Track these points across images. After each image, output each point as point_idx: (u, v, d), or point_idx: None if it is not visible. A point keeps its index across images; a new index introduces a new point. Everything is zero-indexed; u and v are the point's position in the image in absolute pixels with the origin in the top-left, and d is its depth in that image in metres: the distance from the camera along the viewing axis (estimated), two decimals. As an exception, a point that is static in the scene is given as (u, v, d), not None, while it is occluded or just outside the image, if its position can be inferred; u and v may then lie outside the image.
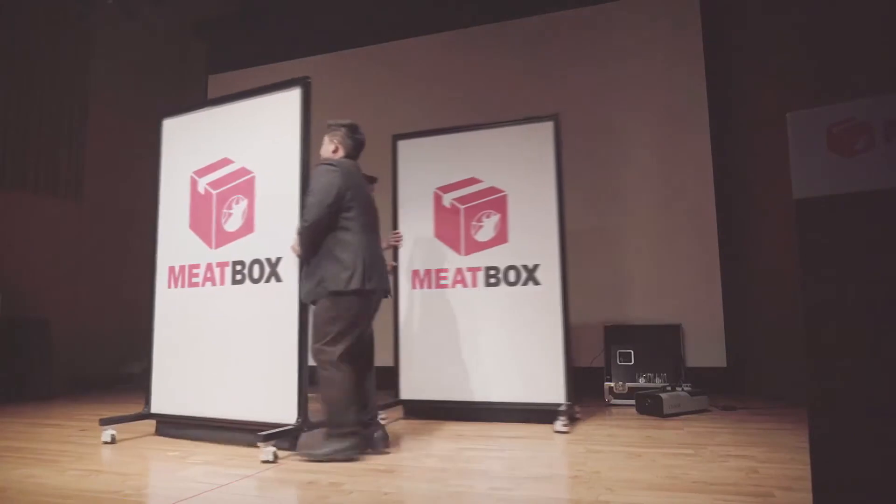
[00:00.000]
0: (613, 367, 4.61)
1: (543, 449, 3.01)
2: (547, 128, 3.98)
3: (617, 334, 4.76)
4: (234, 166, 3.44)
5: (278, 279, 3.17)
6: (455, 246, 4.12)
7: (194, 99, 7.35)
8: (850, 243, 1.37)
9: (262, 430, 2.83)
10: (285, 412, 3.02)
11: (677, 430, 3.39)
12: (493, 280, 3.98)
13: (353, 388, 2.84)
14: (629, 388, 4.43)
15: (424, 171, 4.22)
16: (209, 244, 3.47)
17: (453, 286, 4.08)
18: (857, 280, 1.35)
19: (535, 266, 3.89)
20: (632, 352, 4.61)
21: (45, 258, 5.91)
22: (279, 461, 2.79)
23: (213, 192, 3.51)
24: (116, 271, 6.64)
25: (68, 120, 6.16)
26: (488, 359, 3.92)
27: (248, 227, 3.33)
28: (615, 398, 4.45)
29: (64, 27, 6.09)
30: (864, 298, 1.34)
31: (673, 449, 2.92)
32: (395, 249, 4.14)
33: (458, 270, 4.07)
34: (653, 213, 5.37)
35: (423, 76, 6.28)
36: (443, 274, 4.12)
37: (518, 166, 4.02)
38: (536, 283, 3.88)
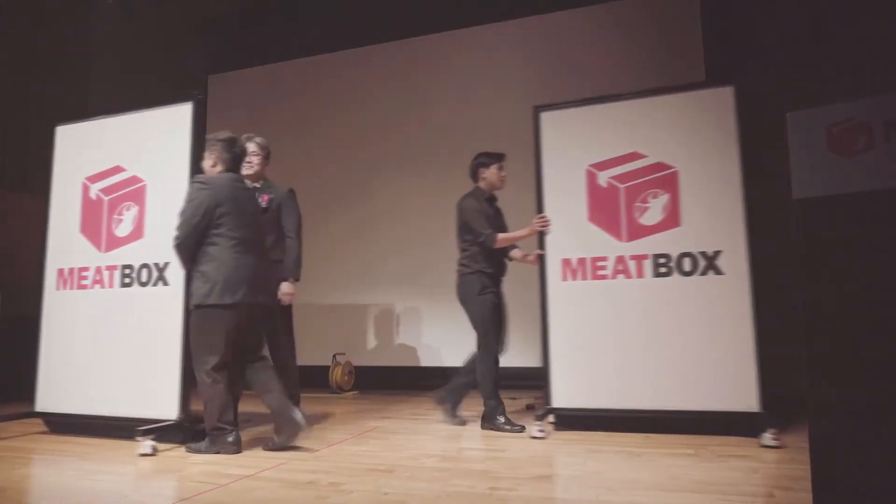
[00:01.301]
0: (613, 367, 4.59)
1: (543, 449, 3.01)
2: (725, 94, 3.45)
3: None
4: (127, 174, 3.62)
5: (165, 283, 3.37)
6: (614, 231, 3.60)
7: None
8: (849, 243, 1.37)
9: (145, 426, 3.04)
10: (169, 409, 3.22)
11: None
12: (663, 269, 3.45)
13: (222, 395, 3.00)
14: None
15: (574, 146, 3.72)
16: (99, 248, 3.64)
17: (614, 277, 3.55)
18: (858, 280, 1.35)
19: (717, 253, 3.36)
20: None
21: (40, 256, 5.89)
22: (281, 461, 2.79)
23: (105, 198, 3.67)
24: (116, 271, 6.62)
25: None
26: (660, 361, 3.38)
27: (137, 232, 3.53)
28: (615, 398, 4.44)
29: (64, 28, 6.09)
30: (864, 298, 1.35)
31: (673, 449, 2.93)
32: (542, 236, 3.71)
33: (620, 259, 3.55)
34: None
35: (423, 76, 6.29)
36: (600, 263, 3.60)
37: (690, 139, 3.50)
38: (718, 272, 3.35)
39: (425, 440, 3.34)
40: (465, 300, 3.80)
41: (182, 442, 3.14)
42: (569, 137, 3.76)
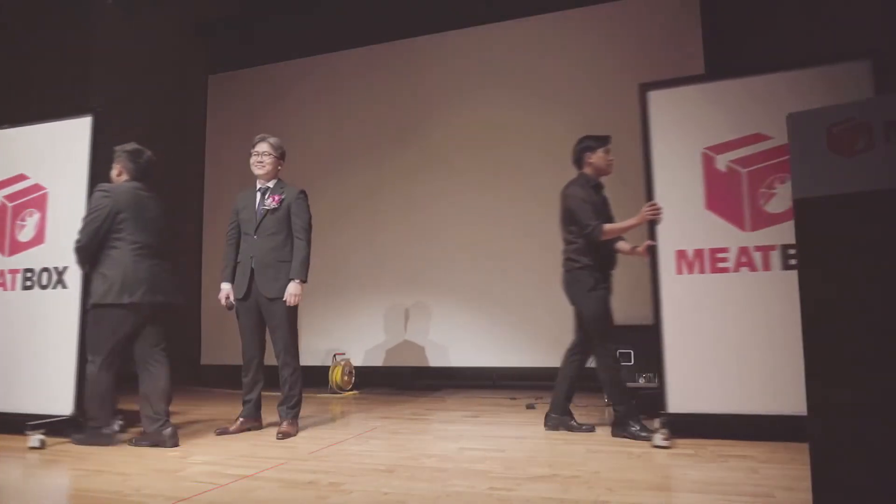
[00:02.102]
0: (613, 367, 4.59)
1: (543, 449, 3.01)
2: (861, 69, 3.11)
3: (616, 334, 4.73)
4: (30, 182, 3.81)
5: (64, 286, 3.57)
6: (736, 220, 3.30)
7: (195, 99, 7.37)
8: (849, 243, 1.37)
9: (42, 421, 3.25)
10: (63, 405, 3.43)
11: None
12: (793, 261, 3.08)
13: (107, 390, 3.20)
14: (629, 388, 4.42)
15: (687, 127, 3.44)
16: (3, 252, 3.79)
17: (736, 270, 3.26)
18: (857, 280, 1.35)
19: None
20: (631, 352, 4.61)
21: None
22: (281, 461, 2.79)
23: (9, 204, 3.85)
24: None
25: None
26: (787, 361, 3.02)
27: (39, 238, 3.71)
28: (615, 398, 4.43)
29: (64, 29, 6.09)
30: (864, 298, 1.35)
31: (673, 449, 2.93)
32: (652, 225, 3.43)
33: (743, 250, 3.25)
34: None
35: (427, 74, 6.28)
36: (721, 255, 3.30)
37: None
38: None
39: (425, 440, 3.34)
40: (575, 298, 3.53)
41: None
42: (681, 118, 3.45)
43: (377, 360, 6.02)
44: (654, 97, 3.52)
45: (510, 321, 5.65)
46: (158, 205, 3.49)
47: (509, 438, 3.31)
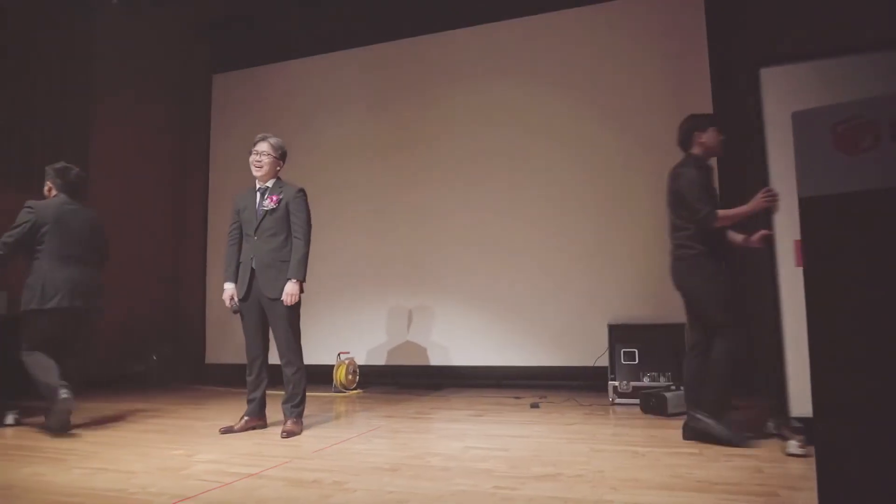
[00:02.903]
0: (618, 366, 4.60)
1: (547, 448, 3.01)
2: None
3: (621, 333, 4.75)
4: None
5: None
6: None
7: (199, 99, 7.38)
8: (855, 242, 1.36)
9: None
10: None
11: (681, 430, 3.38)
12: None
13: (46, 362, 3.52)
14: (633, 387, 4.42)
15: (806, 107, 3.30)
16: None
17: None
18: (863, 279, 1.35)
19: None
20: (636, 351, 4.60)
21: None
22: (285, 460, 2.80)
23: None
24: (118, 272, 6.65)
25: (73, 122, 6.17)
26: None
27: None
28: (619, 397, 4.44)
29: (68, 29, 6.10)
30: (869, 298, 1.34)
31: (677, 448, 2.92)
32: (768, 213, 3.14)
33: None
34: (656, 209, 5.33)
35: (432, 73, 6.28)
36: None
37: None
38: None
39: (429, 439, 3.34)
40: (686, 287, 3.21)
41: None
42: (798, 97, 3.09)
43: (381, 359, 6.03)
44: (768, 75, 3.27)
45: (514, 320, 5.65)
46: (86, 216, 3.86)
47: (513, 437, 3.30)
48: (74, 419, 4.10)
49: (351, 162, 6.43)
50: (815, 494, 1.35)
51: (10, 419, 3.86)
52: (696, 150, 3.27)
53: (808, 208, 1.41)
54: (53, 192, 3.84)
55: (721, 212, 3.07)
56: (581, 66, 5.68)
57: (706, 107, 5.23)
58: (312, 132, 6.60)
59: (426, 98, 6.23)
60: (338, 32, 6.69)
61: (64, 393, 3.40)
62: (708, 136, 3.26)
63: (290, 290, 3.49)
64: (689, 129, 3.31)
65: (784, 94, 3.21)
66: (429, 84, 6.24)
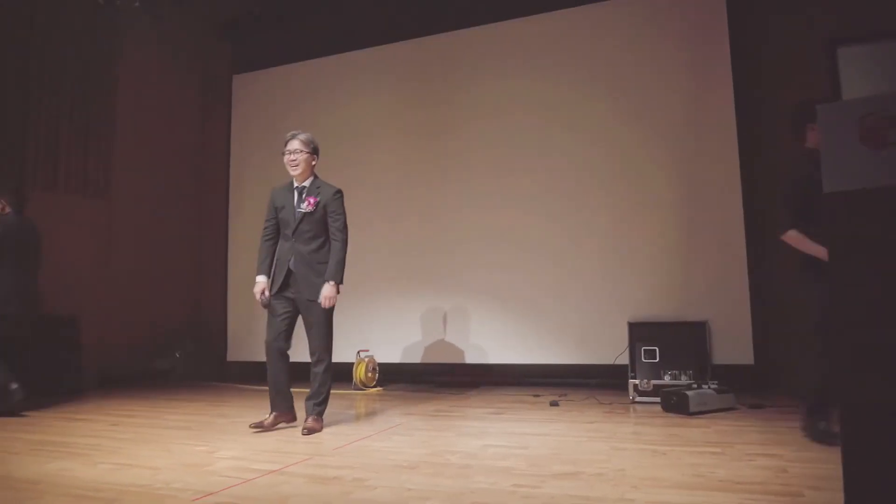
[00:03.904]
0: (638, 364, 4.57)
1: (567, 446, 3.00)
2: None
3: (641, 331, 4.71)
4: None
5: None
6: None
7: (220, 100, 7.46)
8: (880, 238, 1.34)
9: None
10: None
11: (703, 429, 3.35)
12: None
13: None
14: (654, 385, 4.38)
15: (885, 88, 3.02)
16: None
17: None
18: (887, 275, 1.32)
19: None
20: (657, 349, 4.57)
21: (74, 256, 6.04)
22: (306, 457, 2.82)
23: None
24: (143, 269, 6.76)
25: (96, 122, 6.28)
26: None
27: None
28: (640, 396, 4.41)
29: (92, 30, 6.20)
30: (894, 293, 1.31)
31: (699, 447, 2.89)
32: None
33: None
34: (676, 206, 5.29)
35: (454, 72, 6.27)
36: None
37: None
38: None
39: (449, 437, 3.34)
40: (804, 285, 2.97)
41: None
42: (877, 76, 2.99)
43: (401, 357, 6.04)
44: (846, 55, 3.11)
45: (534, 318, 5.63)
46: (33, 229, 4.41)
47: (533, 436, 3.30)
48: (101, 414, 4.19)
49: (372, 160, 6.45)
50: (841, 495, 1.33)
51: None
52: (809, 144, 2.96)
53: (835, 204, 1.38)
54: (8, 210, 4.35)
55: (792, 233, 2.87)
56: (603, 61, 5.64)
57: (727, 103, 5.17)
58: (334, 131, 6.62)
59: (448, 95, 6.21)
60: (357, 31, 6.71)
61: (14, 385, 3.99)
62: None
63: (327, 293, 3.50)
64: (802, 119, 2.98)
65: (865, 73, 2.99)
66: (451, 81, 6.23)
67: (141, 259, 6.74)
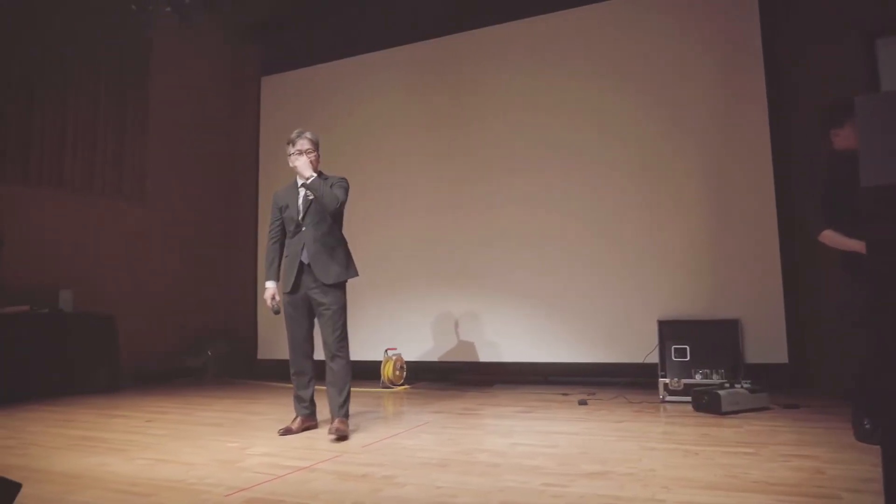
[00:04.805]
0: (668, 362, 4.51)
1: (596, 445, 2.97)
2: None
3: (671, 329, 4.65)
4: None
5: None
6: None
7: (249, 102, 7.57)
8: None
9: None
10: None
11: (736, 429, 3.30)
12: None
13: None
14: (685, 384, 4.32)
15: None
16: None
17: None
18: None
19: None
20: (687, 347, 4.50)
21: (111, 256, 6.20)
22: (336, 454, 2.85)
23: None
24: (176, 269, 6.90)
25: (131, 126, 6.43)
26: None
27: None
28: (670, 395, 4.35)
29: (126, 37, 6.35)
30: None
31: (732, 448, 2.84)
32: None
33: None
34: (707, 202, 5.21)
35: (476, 70, 6.27)
36: None
37: None
38: None
39: (477, 435, 3.34)
40: (848, 278, 2.92)
41: None
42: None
43: (428, 356, 6.06)
44: (884, 46, 3.06)
45: (562, 316, 5.60)
46: None
47: (562, 434, 3.28)
48: (137, 411, 4.28)
49: (398, 158, 6.48)
50: (881, 498, 1.29)
51: None
52: (835, 146, 2.98)
53: (872, 199, 1.35)
54: None
55: (828, 233, 2.87)
56: (633, 59, 5.57)
57: (759, 95, 5.07)
58: (361, 130, 6.68)
59: (475, 93, 6.20)
60: (383, 31, 6.74)
61: None
62: (845, 134, 2.91)
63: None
64: (827, 122, 3.00)
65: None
66: (478, 79, 6.21)
67: (174, 260, 6.88)
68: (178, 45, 6.90)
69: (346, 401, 3.43)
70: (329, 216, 3.50)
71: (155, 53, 6.69)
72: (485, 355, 5.87)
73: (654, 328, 4.75)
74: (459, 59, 6.33)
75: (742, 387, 3.92)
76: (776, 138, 5.01)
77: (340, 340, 3.44)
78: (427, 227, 6.27)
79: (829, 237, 2.89)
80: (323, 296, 3.44)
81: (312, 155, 3.51)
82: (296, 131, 3.56)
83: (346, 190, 3.53)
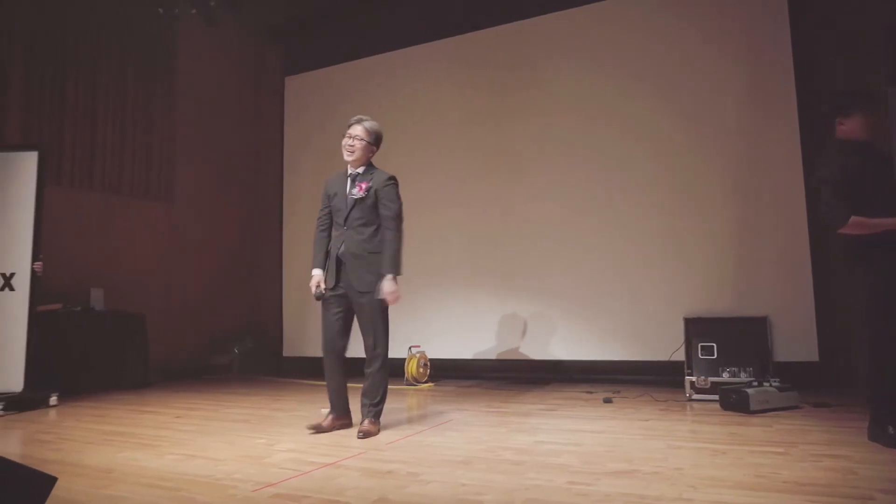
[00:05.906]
0: (695, 360, 4.45)
1: (622, 444, 2.95)
2: None
3: (698, 327, 4.59)
4: None
5: (11, 289, 4.39)
6: None
7: (273, 102, 7.65)
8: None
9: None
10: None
11: (765, 428, 3.24)
12: None
13: None
14: (712, 382, 4.27)
15: None
16: None
17: None
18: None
19: None
20: (714, 345, 4.44)
21: (141, 257, 6.32)
22: (361, 451, 2.87)
23: None
24: (203, 268, 7.01)
25: (158, 127, 6.54)
26: None
27: None
28: (697, 393, 4.30)
29: (153, 40, 6.46)
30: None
31: (760, 447, 2.80)
32: None
33: None
34: (735, 199, 5.13)
35: (501, 66, 6.25)
36: None
37: None
38: None
39: (501, 433, 3.34)
40: (848, 271, 2.93)
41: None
42: None
43: (452, 353, 6.07)
44: None
45: (587, 314, 5.57)
46: None
47: (587, 432, 3.26)
48: (166, 407, 4.36)
49: (424, 156, 6.48)
50: (916, 499, 1.27)
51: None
52: (840, 135, 2.95)
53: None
54: None
55: (856, 219, 2.77)
56: (656, 58, 5.52)
57: (789, 96, 4.97)
58: (391, 129, 6.68)
59: (504, 91, 6.17)
60: (406, 29, 6.75)
61: None
62: (851, 124, 2.89)
63: (388, 289, 3.33)
64: (832, 112, 2.97)
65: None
66: (506, 77, 6.19)
67: (200, 259, 6.99)
68: (203, 47, 7.00)
69: (380, 402, 3.38)
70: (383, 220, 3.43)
71: (181, 55, 6.80)
72: (510, 353, 5.86)
73: (681, 326, 4.70)
74: (491, 55, 6.30)
75: (771, 385, 3.86)
76: (806, 135, 4.90)
77: (379, 344, 3.39)
78: (452, 225, 6.27)
79: (858, 223, 2.77)
80: (360, 300, 3.39)
81: (360, 143, 3.42)
82: (354, 117, 3.49)
83: (395, 198, 3.45)
